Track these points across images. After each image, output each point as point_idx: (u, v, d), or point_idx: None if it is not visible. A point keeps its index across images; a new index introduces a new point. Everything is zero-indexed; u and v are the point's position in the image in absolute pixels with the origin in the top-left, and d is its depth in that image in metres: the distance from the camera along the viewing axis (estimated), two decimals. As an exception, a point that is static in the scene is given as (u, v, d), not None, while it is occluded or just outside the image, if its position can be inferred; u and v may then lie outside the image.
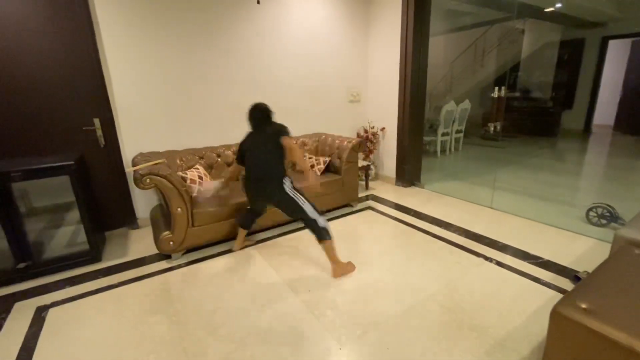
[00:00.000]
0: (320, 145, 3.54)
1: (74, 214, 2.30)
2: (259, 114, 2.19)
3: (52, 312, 1.88)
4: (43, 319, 1.82)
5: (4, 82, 2.35)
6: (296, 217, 2.16)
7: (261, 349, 1.56)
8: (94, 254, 2.37)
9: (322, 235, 2.08)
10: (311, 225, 2.09)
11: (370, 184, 4.08)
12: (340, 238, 2.68)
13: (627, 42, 6.81)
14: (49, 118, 2.54)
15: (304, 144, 3.53)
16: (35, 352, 1.59)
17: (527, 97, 7.56)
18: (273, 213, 2.78)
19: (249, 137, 2.26)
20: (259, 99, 3.41)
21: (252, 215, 2.44)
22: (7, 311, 1.89)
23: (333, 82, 3.89)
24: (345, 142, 3.21)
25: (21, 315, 1.86)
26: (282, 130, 2.15)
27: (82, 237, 2.33)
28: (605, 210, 2.71)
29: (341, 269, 2.15)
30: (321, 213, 2.13)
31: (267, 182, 2.14)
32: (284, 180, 2.13)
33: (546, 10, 5.82)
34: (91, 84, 2.62)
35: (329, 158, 3.28)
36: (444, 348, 1.54)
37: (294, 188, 2.16)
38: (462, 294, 1.92)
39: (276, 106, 3.49)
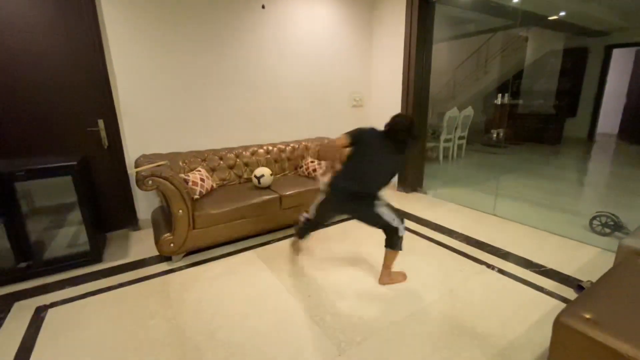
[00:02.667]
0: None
1: (76, 215, 2.30)
2: (405, 134, 1.88)
3: (51, 313, 1.87)
4: (42, 319, 1.81)
5: (9, 83, 2.37)
6: (377, 227, 2.00)
7: (259, 354, 1.55)
8: (94, 254, 2.37)
9: (395, 245, 1.98)
10: (390, 234, 1.97)
11: (372, 189, 4.07)
12: (341, 243, 2.66)
13: (632, 51, 6.81)
14: (53, 118, 2.55)
15: (306, 147, 3.54)
16: (33, 353, 1.58)
17: (530, 105, 7.55)
18: (277, 215, 2.78)
19: (374, 136, 1.92)
20: (262, 103, 3.47)
21: (313, 227, 2.27)
22: (7, 311, 1.89)
23: (336, 87, 3.90)
24: (348, 147, 3.20)
25: (20, 315, 1.86)
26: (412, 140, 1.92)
27: (84, 237, 2.33)
28: (609, 219, 2.69)
29: (390, 278, 2.09)
30: (402, 219, 1.98)
31: (362, 200, 1.93)
32: (378, 199, 1.96)
33: (550, 18, 5.84)
34: (96, 85, 2.64)
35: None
36: (444, 356, 1.52)
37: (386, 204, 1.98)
38: (464, 302, 1.90)
39: (279, 110, 3.53)
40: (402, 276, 2.13)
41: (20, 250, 2.13)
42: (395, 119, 1.90)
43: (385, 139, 1.89)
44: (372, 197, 1.94)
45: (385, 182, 1.95)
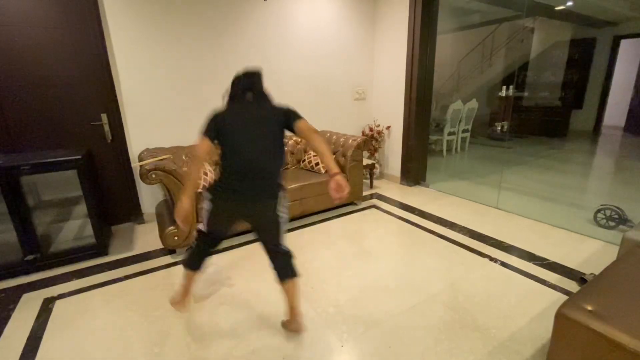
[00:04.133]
0: (325, 143, 3.53)
1: (81, 208, 2.33)
2: (255, 79, 1.52)
3: (58, 304, 1.91)
4: (50, 311, 1.85)
5: (14, 78, 2.38)
6: (269, 244, 1.54)
7: (263, 345, 1.57)
8: (100, 247, 2.40)
9: (294, 270, 1.58)
10: (285, 257, 1.56)
11: (375, 182, 4.07)
12: (343, 236, 2.68)
13: (640, 41, 6.67)
14: (58, 113, 2.57)
15: (309, 141, 3.53)
16: (42, 343, 1.61)
17: (536, 97, 7.46)
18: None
19: (231, 111, 1.50)
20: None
21: (211, 244, 1.64)
22: (15, 302, 1.93)
23: (338, 80, 3.88)
24: (350, 140, 3.20)
25: (29, 306, 1.89)
26: (290, 110, 1.51)
27: (89, 230, 2.36)
28: (613, 212, 2.67)
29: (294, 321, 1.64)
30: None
31: (266, 185, 1.46)
32: (282, 191, 1.50)
33: (557, 8, 5.74)
34: (99, 79, 2.65)
35: (334, 156, 3.27)
36: (446, 348, 1.53)
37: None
38: (466, 294, 1.91)
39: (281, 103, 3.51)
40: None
41: (28, 243, 2.16)
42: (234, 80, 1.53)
43: (240, 104, 1.50)
44: (273, 186, 1.47)
45: (277, 156, 1.50)
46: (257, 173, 1.44)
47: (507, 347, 1.53)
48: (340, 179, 1.39)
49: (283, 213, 1.51)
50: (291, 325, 1.64)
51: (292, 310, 1.60)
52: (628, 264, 1.42)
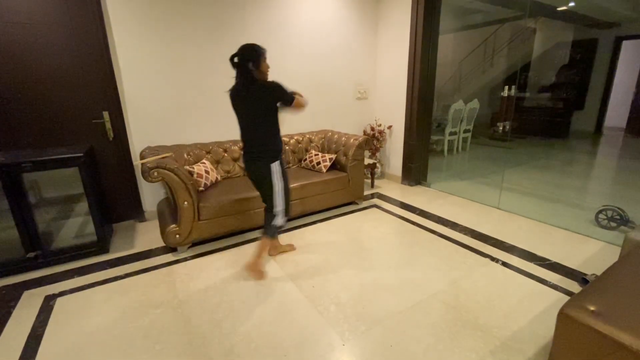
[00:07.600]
0: (326, 142, 3.53)
1: (83, 206, 2.33)
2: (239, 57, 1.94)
3: (60, 301, 1.91)
4: (51, 308, 1.85)
5: (16, 75, 2.38)
6: (265, 203, 2.09)
7: (264, 343, 1.57)
8: (101, 245, 2.40)
9: (270, 232, 2.07)
10: (269, 218, 2.06)
11: (376, 182, 4.07)
12: (345, 236, 2.67)
13: (642, 42, 6.66)
14: (60, 110, 2.57)
15: (310, 140, 3.53)
16: (43, 340, 1.61)
17: (537, 97, 7.46)
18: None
19: (233, 93, 1.99)
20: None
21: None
22: (16, 299, 1.93)
23: (340, 79, 3.87)
24: (352, 140, 3.19)
25: (30, 303, 1.89)
26: (275, 90, 2.00)
27: (91, 228, 2.36)
28: (615, 213, 2.67)
29: (256, 269, 2.09)
30: (287, 214, 2.10)
31: (256, 158, 1.96)
32: (273, 160, 1.95)
33: (559, 9, 5.73)
34: (101, 76, 2.64)
35: (335, 155, 3.27)
36: (447, 346, 1.53)
37: (283, 172, 2.03)
38: (467, 294, 1.91)
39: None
40: (261, 274, 2.10)
41: (29, 240, 2.16)
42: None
43: (237, 87, 1.97)
44: (264, 156, 1.95)
45: (262, 130, 1.95)
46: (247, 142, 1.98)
47: (509, 346, 1.53)
48: None
49: (275, 177, 1.97)
50: (251, 270, 2.08)
51: (255, 256, 2.07)
52: (631, 264, 1.42)
